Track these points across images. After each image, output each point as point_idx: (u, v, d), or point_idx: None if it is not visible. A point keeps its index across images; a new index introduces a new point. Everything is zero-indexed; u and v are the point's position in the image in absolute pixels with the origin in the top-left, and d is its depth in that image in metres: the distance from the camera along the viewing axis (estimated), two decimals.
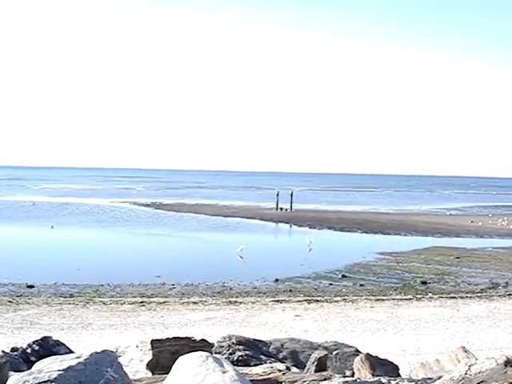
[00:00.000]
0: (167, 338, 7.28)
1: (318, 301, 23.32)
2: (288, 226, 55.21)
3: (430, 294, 25.00)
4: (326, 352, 6.98)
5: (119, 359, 4.43)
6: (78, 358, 3.98)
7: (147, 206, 74.31)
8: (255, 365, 6.91)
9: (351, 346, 7.87)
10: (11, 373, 4.80)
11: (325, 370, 6.39)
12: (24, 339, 13.99)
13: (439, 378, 4.70)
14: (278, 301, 23.19)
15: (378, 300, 23.67)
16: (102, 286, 25.61)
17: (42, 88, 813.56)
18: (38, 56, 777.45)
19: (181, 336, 7.54)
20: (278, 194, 69.03)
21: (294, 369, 6.64)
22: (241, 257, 34.37)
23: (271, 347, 7.82)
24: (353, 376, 5.78)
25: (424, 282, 27.60)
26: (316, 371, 6.29)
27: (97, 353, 4.07)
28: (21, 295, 23.44)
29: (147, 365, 7.01)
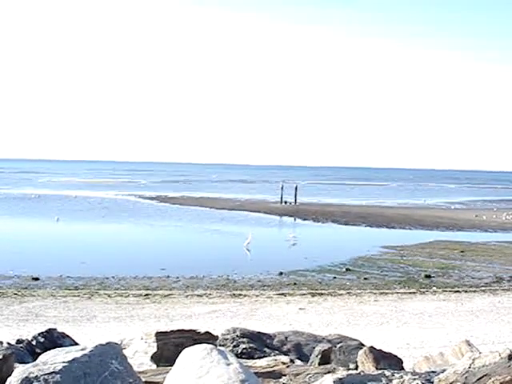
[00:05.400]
0: (172, 331, 7.30)
1: (322, 294, 23.34)
2: (292, 219, 55.19)
3: (434, 288, 24.98)
4: (329, 345, 6.99)
5: (124, 351, 4.45)
6: (82, 350, 3.99)
7: (152, 199, 74.35)
8: (259, 357, 6.92)
9: (355, 339, 7.86)
10: (16, 364, 4.83)
11: (328, 362, 6.40)
12: (29, 331, 14.06)
13: (443, 371, 4.71)
14: (282, 294, 23.21)
15: (381, 293, 23.67)
16: (107, 278, 25.68)
17: (47, 82, 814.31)
18: (40, 50, 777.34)
19: (185, 328, 7.55)
20: (282, 188, 68.86)
21: (297, 362, 6.65)
22: (248, 250, 34.43)
23: (275, 340, 7.83)
24: (356, 369, 5.78)
25: (428, 276, 27.57)
26: (320, 364, 6.30)
27: (101, 345, 4.08)
28: (26, 287, 23.54)
29: (152, 357, 7.02)
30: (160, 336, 7.12)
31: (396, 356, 6.29)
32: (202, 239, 39.59)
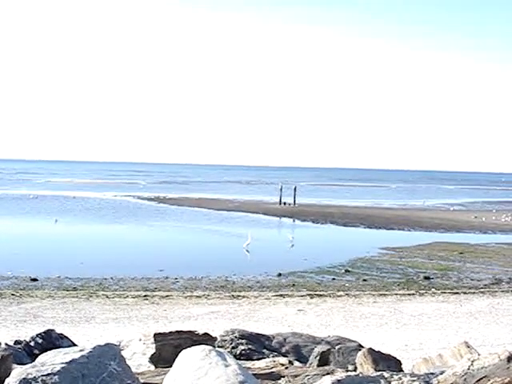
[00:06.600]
0: (170, 332, 7.28)
1: (320, 295, 23.32)
2: (291, 220, 55.19)
3: (433, 290, 24.98)
4: (328, 346, 6.98)
5: (122, 352, 4.44)
6: (81, 351, 3.99)
7: (151, 199, 74.32)
8: (258, 359, 6.91)
9: (354, 341, 7.85)
10: (14, 366, 4.82)
11: (327, 364, 6.40)
12: (27, 332, 14.03)
13: (442, 373, 4.70)
14: (280, 295, 23.20)
15: (380, 295, 23.66)
16: (106, 279, 25.66)
17: (46, 84, 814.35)
18: (39, 52, 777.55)
19: (184, 330, 7.53)
20: (281, 189, 68.83)
21: (296, 363, 6.64)
22: (247, 251, 34.44)
23: (274, 341, 7.82)
24: (355, 370, 5.77)
25: (427, 278, 27.58)
26: (318, 365, 6.29)
27: (100, 346, 4.08)
28: (24, 288, 23.50)
29: (150, 358, 7.01)
30: (158, 337, 7.11)
31: (395, 357, 6.29)
32: (201, 240, 39.58)
